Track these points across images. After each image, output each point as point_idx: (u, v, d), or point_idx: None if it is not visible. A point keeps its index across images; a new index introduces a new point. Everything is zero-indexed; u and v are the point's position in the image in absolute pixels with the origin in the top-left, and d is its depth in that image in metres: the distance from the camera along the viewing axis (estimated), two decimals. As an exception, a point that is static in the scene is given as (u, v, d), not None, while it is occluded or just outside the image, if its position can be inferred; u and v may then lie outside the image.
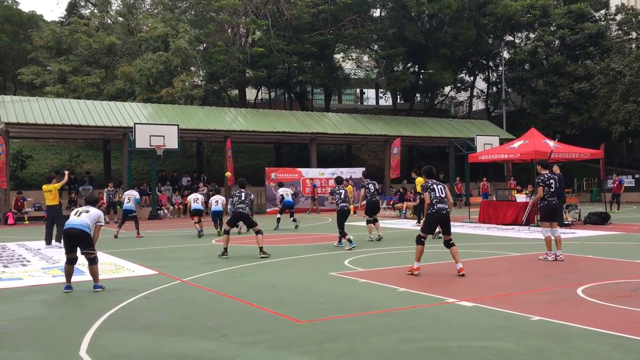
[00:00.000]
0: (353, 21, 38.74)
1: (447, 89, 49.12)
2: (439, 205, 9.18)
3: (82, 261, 8.67)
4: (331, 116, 35.29)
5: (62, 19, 46.28)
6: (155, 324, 6.42)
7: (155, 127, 26.13)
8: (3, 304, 7.73)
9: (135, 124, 25.77)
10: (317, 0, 38.61)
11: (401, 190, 29.38)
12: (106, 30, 39.67)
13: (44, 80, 35.62)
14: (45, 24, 41.36)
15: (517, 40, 45.65)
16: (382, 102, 54.98)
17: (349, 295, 7.80)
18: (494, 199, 21.41)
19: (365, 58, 48.62)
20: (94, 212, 8.66)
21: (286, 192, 20.21)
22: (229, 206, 16.83)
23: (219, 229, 17.22)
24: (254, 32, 38.64)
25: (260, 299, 7.57)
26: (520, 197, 19.36)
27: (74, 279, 8.76)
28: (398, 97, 48.25)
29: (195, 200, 17.62)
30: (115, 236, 17.06)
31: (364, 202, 15.15)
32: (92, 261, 8.45)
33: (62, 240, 14.07)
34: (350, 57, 46.22)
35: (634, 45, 38.43)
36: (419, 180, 15.64)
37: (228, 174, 24.90)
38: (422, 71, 43.57)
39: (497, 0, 39.85)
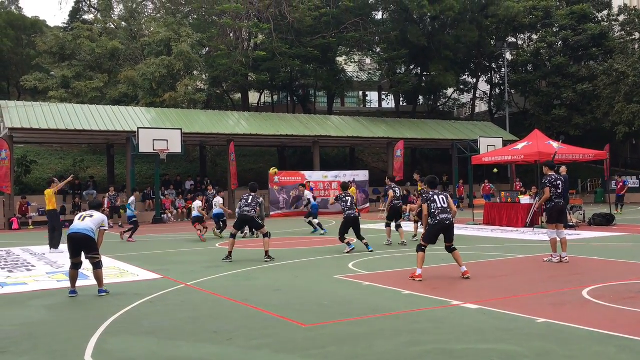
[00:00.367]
0: (355, 24, 38.76)
1: (449, 91, 49.07)
2: (441, 216, 9.11)
3: (86, 266, 8.69)
4: (334, 119, 35.30)
5: (65, 24, 46.45)
6: (160, 328, 6.42)
7: (158, 131, 26.17)
8: (8, 309, 7.75)
9: (138, 128, 25.82)
10: (319, 4, 38.65)
11: (405, 192, 29.33)
12: (109, 35, 39.80)
13: (47, 85, 35.75)
14: (49, 30, 41.54)
15: (519, 42, 45.60)
16: (384, 104, 54.96)
17: (354, 298, 7.79)
18: (498, 200, 21.37)
19: (368, 61, 48.62)
20: (98, 216, 8.67)
21: (312, 196, 20.42)
22: (236, 210, 16.86)
23: (215, 230, 18.00)
24: (257, 35, 38.69)
25: (265, 303, 7.57)
26: (525, 199, 19.33)
27: (79, 283, 8.77)
28: (401, 99, 48.21)
29: (196, 207, 17.78)
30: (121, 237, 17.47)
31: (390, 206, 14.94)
32: (97, 265, 8.47)
33: (57, 246, 14.26)
34: (352, 60, 46.24)
35: (637, 46, 38.34)
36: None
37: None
38: (425, 73, 43.55)
39: (499, 1, 39.80)
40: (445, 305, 7.23)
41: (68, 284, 8.71)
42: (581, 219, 19.10)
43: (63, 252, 14.03)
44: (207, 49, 40.85)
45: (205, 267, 11.22)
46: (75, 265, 8.49)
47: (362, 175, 32.19)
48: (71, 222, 9.20)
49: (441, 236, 9.27)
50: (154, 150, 25.53)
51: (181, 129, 26.72)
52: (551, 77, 40.13)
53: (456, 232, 9.63)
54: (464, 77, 47.01)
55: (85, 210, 9.25)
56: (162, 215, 27.07)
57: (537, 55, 40.79)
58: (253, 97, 47.87)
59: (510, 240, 15.00)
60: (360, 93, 58.02)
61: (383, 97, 54.78)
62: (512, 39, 44.48)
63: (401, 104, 48.46)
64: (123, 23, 42.19)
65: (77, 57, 36.59)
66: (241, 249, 13.76)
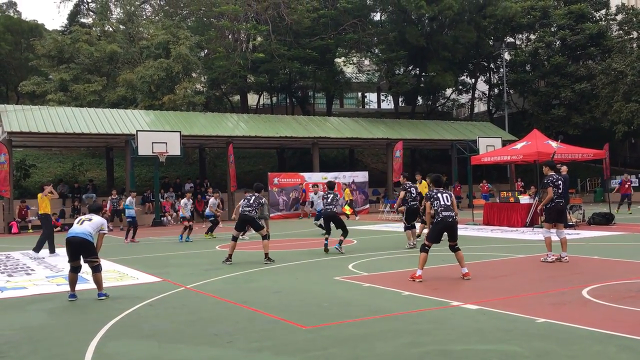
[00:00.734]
0: (353, 25, 38.78)
1: (448, 91, 49.10)
2: (444, 214, 9.11)
3: (86, 269, 8.68)
4: (333, 120, 35.31)
5: (63, 28, 46.46)
6: (161, 331, 6.42)
7: (157, 134, 26.17)
8: (8, 313, 7.74)
9: (137, 131, 25.82)
10: (318, 5, 38.69)
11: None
12: (107, 39, 39.81)
13: (46, 89, 35.76)
14: (47, 33, 41.53)
15: (517, 42, 45.63)
16: (384, 105, 54.98)
17: (354, 299, 7.79)
18: (497, 200, 21.37)
19: (367, 62, 48.63)
20: (97, 220, 8.66)
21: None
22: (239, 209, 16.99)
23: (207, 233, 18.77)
24: (255, 37, 38.71)
25: (265, 305, 7.57)
26: (524, 199, 19.33)
27: (78, 287, 8.76)
28: (400, 100, 48.21)
29: (184, 205, 18.68)
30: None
31: (403, 206, 14.53)
32: (96, 269, 8.46)
33: (39, 251, 14.31)
34: (351, 61, 46.26)
35: (635, 45, 38.36)
36: (425, 184, 15.56)
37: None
38: (424, 74, 43.58)
39: (497, 2, 39.84)
40: (446, 306, 7.22)
41: (67, 288, 8.70)
42: (581, 219, 19.10)
43: (44, 257, 14.16)
44: (206, 51, 40.86)
45: (205, 269, 11.22)
46: (75, 269, 8.48)
47: (362, 176, 32.20)
48: (71, 225, 9.19)
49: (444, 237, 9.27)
50: (153, 153, 25.52)
51: (180, 132, 26.72)
52: (549, 76, 40.16)
53: (456, 232, 9.62)
54: (463, 77, 47.05)
55: (84, 214, 9.23)
56: (162, 218, 27.06)
57: (535, 55, 40.82)
58: (252, 99, 47.88)
59: (510, 240, 15.00)
60: (359, 94, 58.06)
61: (382, 98, 54.81)
62: (510, 39, 44.52)
63: (400, 104, 48.45)
64: (121, 26, 42.19)
65: (75, 60, 36.60)
66: (241, 251, 13.76)
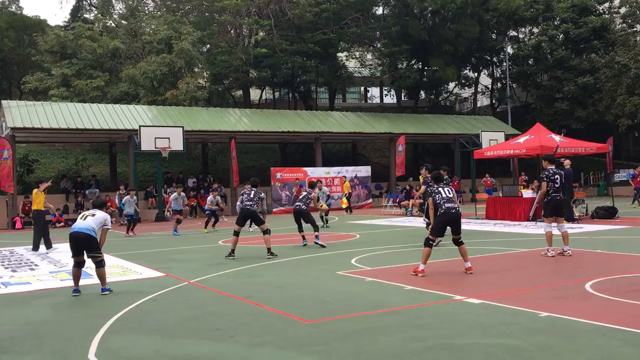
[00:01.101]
0: (356, 19, 38.67)
1: (451, 85, 49.00)
2: (447, 205, 9.12)
3: (89, 264, 8.70)
4: (336, 115, 35.26)
5: (66, 23, 46.44)
6: (164, 326, 6.44)
7: (160, 129, 26.19)
8: (12, 308, 7.77)
9: (140, 126, 25.84)
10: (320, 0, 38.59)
11: (407, 187, 29.34)
12: (110, 34, 39.78)
13: (48, 85, 35.78)
14: (50, 29, 41.52)
15: (520, 35, 45.48)
16: (386, 99, 54.88)
17: (356, 294, 7.80)
18: (500, 194, 21.34)
19: (369, 56, 48.56)
20: (100, 215, 8.68)
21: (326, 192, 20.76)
22: (237, 204, 17.17)
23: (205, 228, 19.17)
24: (257, 32, 38.64)
25: (268, 300, 7.58)
26: (527, 193, 19.30)
27: (82, 282, 8.79)
28: (402, 94, 48.12)
29: (174, 199, 19.17)
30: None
31: (420, 200, 14.33)
32: (99, 264, 8.48)
33: (37, 249, 14.36)
34: (353, 56, 46.15)
35: (638, 38, 38.13)
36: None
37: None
38: (426, 68, 43.46)
39: (499, -5, 39.71)
40: (448, 300, 7.22)
41: (71, 283, 8.73)
42: (584, 212, 19.07)
43: (47, 252, 14.22)
44: (208, 46, 40.81)
45: (208, 264, 11.24)
46: (78, 264, 8.51)
47: (364, 170, 32.17)
48: (74, 221, 9.21)
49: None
50: (155, 148, 25.55)
51: (183, 127, 26.74)
52: (552, 70, 40.01)
53: (458, 226, 9.61)
54: (465, 71, 46.91)
55: (88, 209, 9.25)
56: (165, 213, 27.08)
57: (538, 49, 40.66)
58: (254, 94, 47.84)
59: (512, 234, 14.99)
60: (362, 89, 57.98)
61: (384, 92, 54.71)
62: (513, 33, 44.34)
63: (403, 99, 48.39)
64: (123, 21, 42.16)
65: (78, 55, 36.61)
66: (244, 246, 13.77)
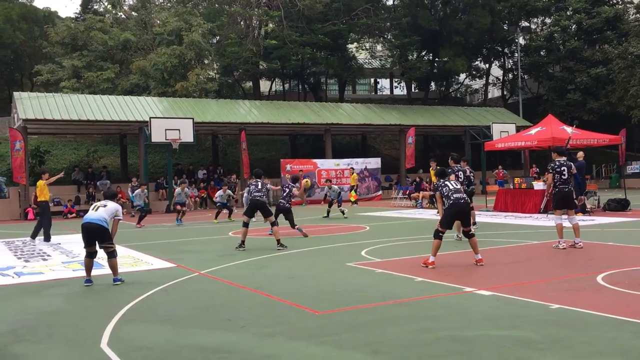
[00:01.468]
0: (366, 10, 38.47)
1: (462, 76, 48.70)
2: (455, 196, 9.10)
3: (101, 255, 8.76)
4: (345, 107, 35.17)
5: (77, 15, 46.60)
6: (175, 316, 6.48)
7: (170, 121, 26.28)
8: (25, 298, 7.86)
9: (150, 118, 25.93)
10: (330, -10, 38.44)
11: (417, 179, 29.27)
12: (120, 26, 39.85)
13: (59, 76, 35.94)
14: (60, 21, 41.68)
15: (532, 26, 45.05)
16: (396, 91, 54.62)
17: (366, 285, 7.80)
18: (511, 186, 21.23)
19: (379, 47, 48.32)
20: (112, 206, 8.73)
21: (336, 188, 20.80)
22: (245, 194, 17.24)
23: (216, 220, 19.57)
24: (267, 23, 38.56)
25: (278, 291, 7.60)
26: (538, 185, 19.18)
27: (94, 272, 8.86)
28: (413, 86, 47.89)
29: (177, 195, 19.77)
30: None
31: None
32: (111, 255, 8.54)
33: (50, 239, 14.42)
34: (363, 47, 45.95)
35: (652, 29, 37.70)
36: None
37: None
38: (437, 59, 43.21)
39: (511, -15, 39.36)
40: (459, 292, 7.21)
41: (83, 273, 8.80)
42: (596, 205, 18.94)
43: (60, 242, 14.30)
44: (218, 37, 40.80)
45: (219, 255, 11.28)
46: (90, 255, 8.58)
47: (374, 162, 32.11)
48: (86, 212, 9.28)
49: None
50: (166, 139, 25.65)
51: (193, 119, 26.80)
52: (565, 61, 39.65)
53: (469, 218, 9.58)
54: (476, 62, 46.58)
55: (99, 200, 9.31)
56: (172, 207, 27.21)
57: (550, 40, 40.28)
58: (264, 85, 47.80)
59: (523, 226, 14.92)
60: (372, 80, 57.75)
61: (395, 83, 54.49)
62: (525, 23, 43.96)
63: (413, 90, 48.15)
64: (134, 13, 42.21)
65: (88, 47, 36.73)
66: (254, 237, 13.81)
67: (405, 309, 6.43)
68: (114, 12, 43.03)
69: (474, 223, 14.08)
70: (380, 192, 31.62)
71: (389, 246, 11.85)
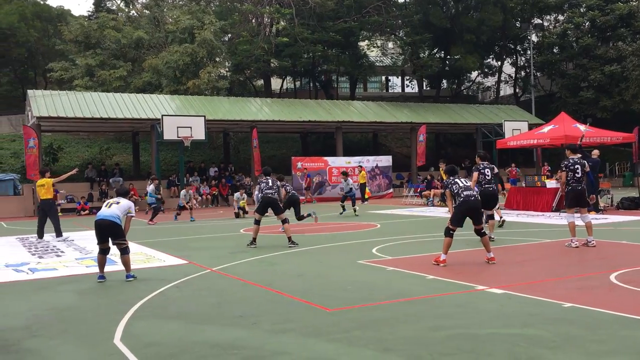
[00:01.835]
0: (377, 8, 38.38)
1: (473, 74, 48.44)
2: (465, 193, 9.04)
3: (114, 251, 8.83)
4: (357, 104, 35.12)
5: (90, 13, 46.90)
6: (187, 313, 6.52)
7: (182, 118, 26.39)
8: (39, 294, 7.94)
9: (162, 116, 26.05)
10: (341, -13, 38.37)
11: (428, 177, 29.18)
12: (133, 24, 40.05)
13: (73, 75, 36.22)
14: (74, 19, 41.97)
15: (545, 23, 44.70)
16: (408, 89, 54.49)
17: (378, 283, 7.80)
18: (523, 185, 21.12)
19: (391, 45, 48.18)
20: (125, 203, 8.80)
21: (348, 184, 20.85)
22: (255, 192, 17.25)
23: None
24: (278, 21, 38.57)
25: (289, 288, 7.62)
26: (551, 183, 19.07)
27: (107, 268, 8.93)
28: (424, 83, 47.70)
29: (183, 196, 20.84)
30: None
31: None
32: (124, 251, 8.61)
33: (62, 235, 14.48)
34: (375, 45, 45.83)
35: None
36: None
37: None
38: (448, 57, 43.01)
39: (524, -18, 39.08)
40: (470, 290, 7.19)
41: (96, 270, 8.88)
42: (609, 203, 18.79)
43: (59, 241, 14.30)
44: (230, 35, 40.89)
45: (230, 252, 11.33)
46: (103, 251, 8.66)
47: (385, 160, 32.05)
48: (99, 209, 9.35)
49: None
50: (178, 137, 25.77)
51: (204, 116, 26.89)
52: (578, 58, 39.32)
53: (481, 216, 9.54)
54: (488, 60, 46.31)
55: (112, 197, 9.38)
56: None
57: (563, 37, 39.95)
58: (275, 83, 47.85)
59: (536, 224, 14.84)
60: (383, 78, 57.61)
61: (406, 81, 54.33)
62: (537, 21, 43.61)
63: (424, 88, 47.97)
64: (146, 11, 42.40)
65: (101, 45, 36.97)
66: (266, 234, 13.85)
67: (417, 307, 6.43)
68: (126, 10, 43.25)
69: (500, 217, 14.03)
70: (391, 190, 31.56)
71: (400, 244, 11.84)
